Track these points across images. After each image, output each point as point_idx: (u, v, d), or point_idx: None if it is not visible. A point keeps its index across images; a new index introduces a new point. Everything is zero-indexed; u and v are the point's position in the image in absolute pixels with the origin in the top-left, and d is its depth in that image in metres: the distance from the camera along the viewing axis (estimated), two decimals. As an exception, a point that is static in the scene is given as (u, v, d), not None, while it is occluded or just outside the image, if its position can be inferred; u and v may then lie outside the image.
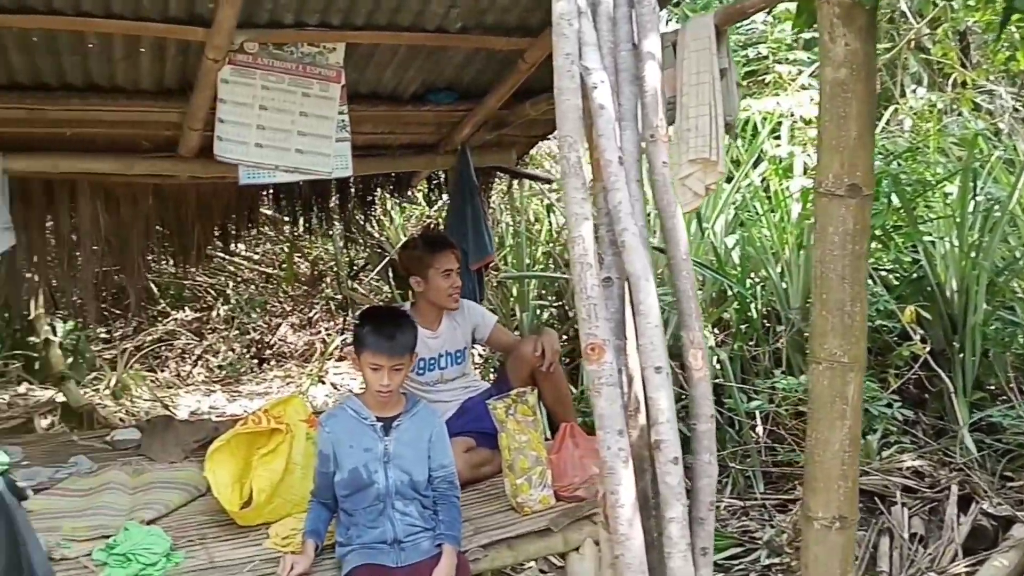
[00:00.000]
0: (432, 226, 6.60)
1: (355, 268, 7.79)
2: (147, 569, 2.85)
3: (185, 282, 7.55)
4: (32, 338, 6.16)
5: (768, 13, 7.28)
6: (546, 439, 3.53)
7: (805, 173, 6.05)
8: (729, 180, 5.94)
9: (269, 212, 5.55)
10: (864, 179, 2.27)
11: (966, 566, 3.85)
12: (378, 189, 5.38)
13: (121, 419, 5.53)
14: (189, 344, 7.40)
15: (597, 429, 1.78)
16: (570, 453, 3.45)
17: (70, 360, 5.97)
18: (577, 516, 3.28)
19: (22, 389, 6.04)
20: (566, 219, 1.78)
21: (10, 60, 3.39)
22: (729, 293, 5.44)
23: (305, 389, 6.30)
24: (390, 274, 6.94)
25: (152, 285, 6.81)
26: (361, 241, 6.88)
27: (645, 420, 1.83)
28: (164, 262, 5.04)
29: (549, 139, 5.51)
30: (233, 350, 7.21)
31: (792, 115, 6.24)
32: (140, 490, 3.51)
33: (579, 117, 1.78)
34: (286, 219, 5.84)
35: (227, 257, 7.22)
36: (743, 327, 5.36)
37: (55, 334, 6.05)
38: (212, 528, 3.26)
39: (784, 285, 5.34)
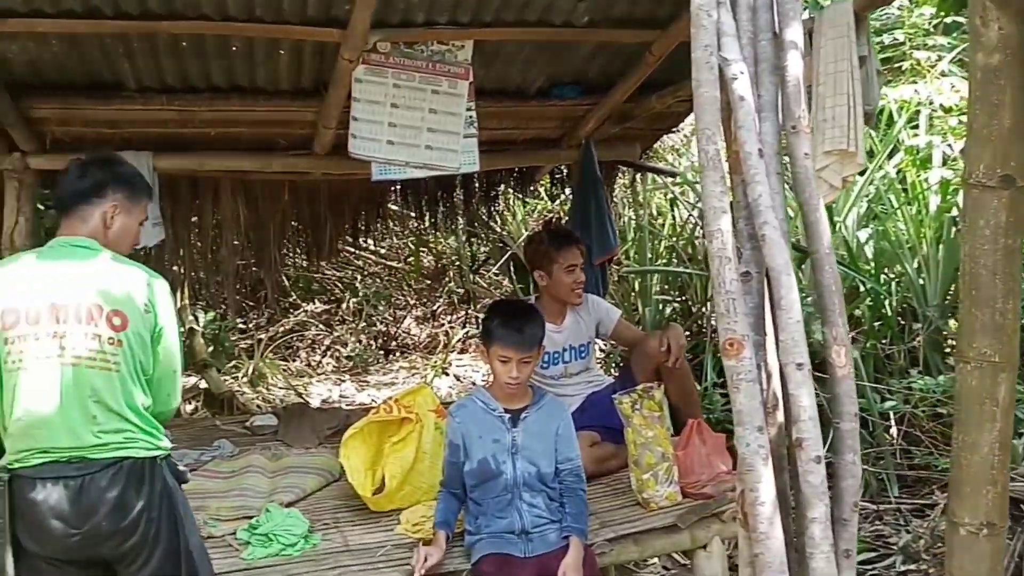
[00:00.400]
0: (554, 220, 6.63)
1: (477, 262, 7.90)
2: (287, 549, 2.98)
3: (315, 275, 7.83)
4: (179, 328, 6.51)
5: (910, -2, 6.95)
6: (671, 435, 3.49)
7: (944, 164, 5.77)
8: (862, 172, 5.72)
9: (395, 208, 5.68)
10: (1018, 170, 2.15)
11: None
12: (501, 184, 5.44)
13: (258, 405, 5.79)
14: (319, 335, 7.67)
15: (736, 425, 1.75)
16: (697, 450, 3.41)
17: (211, 349, 6.28)
18: (704, 514, 3.24)
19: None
20: (704, 213, 1.76)
21: (162, 64, 3.59)
22: (861, 289, 5.25)
23: (429, 380, 6.43)
24: (511, 268, 7.01)
25: (284, 278, 7.08)
26: (483, 236, 6.96)
27: (783, 417, 1.79)
28: (297, 256, 5.22)
29: (673, 132, 5.45)
30: (360, 341, 7.43)
31: (931, 103, 5.96)
32: (278, 474, 3.67)
33: (717, 109, 1.76)
34: (412, 214, 5.98)
35: (355, 251, 7.44)
36: (876, 324, 5.16)
37: (198, 324, 6.38)
38: (345, 512, 3.38)
39: (921, 281, 5.12)
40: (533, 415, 3.01)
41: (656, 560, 4.35)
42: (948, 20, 6.88)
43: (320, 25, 3.31)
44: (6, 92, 3.55)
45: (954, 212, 5.39)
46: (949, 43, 6.71)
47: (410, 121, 3.68)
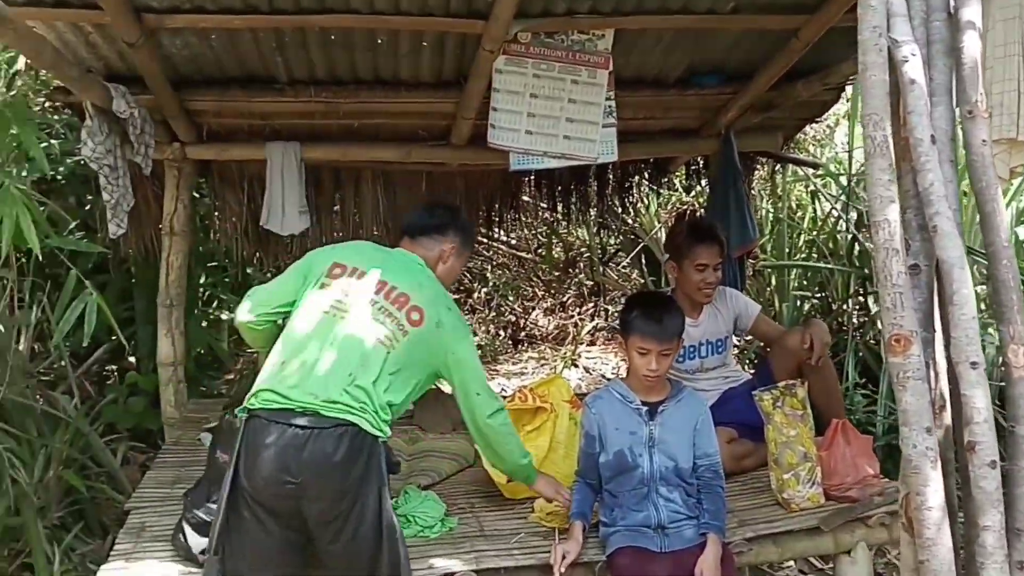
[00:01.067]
0: (689, 213, 6.51)
1: (608, 254, 7.85)
2: (425, 531, 3.05)
3: None
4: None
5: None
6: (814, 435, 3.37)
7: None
8: None
9: (528, 199, 5.71)
10: None
11: None
12: (635, 175, 5.38)
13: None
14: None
15: (901, 426, 1.67)
16: (841, 451, 3.28)
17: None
18: (849, 517, 3.12)
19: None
20: (869, 202, 1.68)
21: (311, 57, 3.71)
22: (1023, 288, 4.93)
23: (559, 372, 6.44)
24: (643, 261, 6.93)
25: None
26: (614, 227, 6.91)
27: (950, 419, 1.69)
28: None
29: (816, 122, 5.25)
30: (490, 331, 7.51)
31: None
32: (416, 457, 3.76)
33: (886, 93, 1.68)
34: (544, 205, 5.99)
35: (486, 241, 7.51)
36: (1037, 326, 4.84)
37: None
38: (480, 498, 3.43)
39: (1089, 281, 4.76)
40: (671, 408, 2.97)
41: (792, 563, 4.23)
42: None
43: (463, 17, 3.35)
44: (169, 86, 3.74)
45: None
46: None
47: (549, 111, 3.68)
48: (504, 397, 3.73)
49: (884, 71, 1.68)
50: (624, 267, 7.78)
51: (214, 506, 2.70)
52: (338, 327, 2.57)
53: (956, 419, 1.70)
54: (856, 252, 5.25)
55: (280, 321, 2.75)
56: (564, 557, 2.79)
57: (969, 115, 1.69)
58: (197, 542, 2.72)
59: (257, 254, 4.95)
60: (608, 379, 6.21)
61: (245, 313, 2.78)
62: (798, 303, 5.73)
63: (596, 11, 3.45)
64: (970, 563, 1.66)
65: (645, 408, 2.97)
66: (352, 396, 2.47)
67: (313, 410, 2.44)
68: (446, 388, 5.97)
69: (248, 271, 5.40)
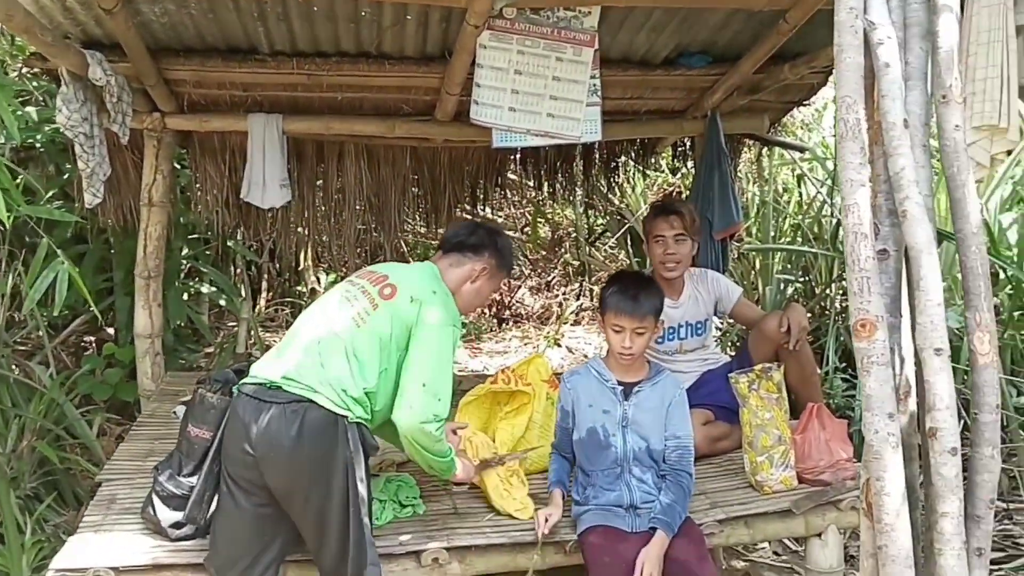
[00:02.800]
0: (674, 193, 6.49)
1: (594, 234, 7.83)
2: (400, 513, 3.04)
3: (432, 242, 7.91)
4: (300, 287, 6.72)
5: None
6: (789, 419, 3.38)
7: (1104, 145, 5.35)
8: (1009, 152, 5.36)
9: (514, 177, 5.67)
10: None
11: None
12: (622, 155, 5.35)
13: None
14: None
15: (864, 411, 1.66)
16: (816, 435, 3.29)
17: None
18: (821, 501, 3.14)
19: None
20: (840, 185, 1.66)
21: (293, 29, 3.65)
22: (1002, 276, 4.94)
23: (541, 351, 6.43)
24: (628, 241, 6.91)
25: (403, 244, 7.19)
26: (601, 207, 6.89)
27: (915, 405, 1.69)
28: (416, 222, 5.28)
29: (804, 106, 5.23)
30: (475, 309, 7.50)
31: (1092, 79, 5.51)
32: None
33: (860, 76, 1.66)
34: (530, 184, 5.96)
35: (471, 219, 7.47)
36: (1016, 314, 4.86)
37: (319, 285, 6.56)
38: (455, 476, 3.43)
39: (1069, 270, 4.78)
40: (647, 390, 2.97)
41: (767, 544, 4.26)
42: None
43: (448, -10, 3.30)
44: (149, 55, 3.69)
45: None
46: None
47: (533, 88, 3.64)
48: (484, 377, 3.73)
49: (859, 53, 1.66)
50: (611, 248, 7.76)
51: (184, 479, 2.70)
52: (319, 312, 2.66)
53: (922, 405, 1.69)
54: (841, 237, 5.24)
55: None
56: (547, 520, 2.81)
57: (943, 100, 1.67)
58: (166, 515, 2.71)
59: (239, 226, 4.91)
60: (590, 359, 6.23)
61: None
62: (782, 286, 5.73)
63: (583, -12, 3.41)
64: (929, 549, 1.66)
65: (621, 388, 2.97)
66: (315, 373, 2.49)
67: (276, 385, 2.49)
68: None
69: (229, 244, 5.37)
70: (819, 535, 3.15)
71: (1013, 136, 2.40)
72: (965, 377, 3.83)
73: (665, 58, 4.15)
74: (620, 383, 2.98)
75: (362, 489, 2.53)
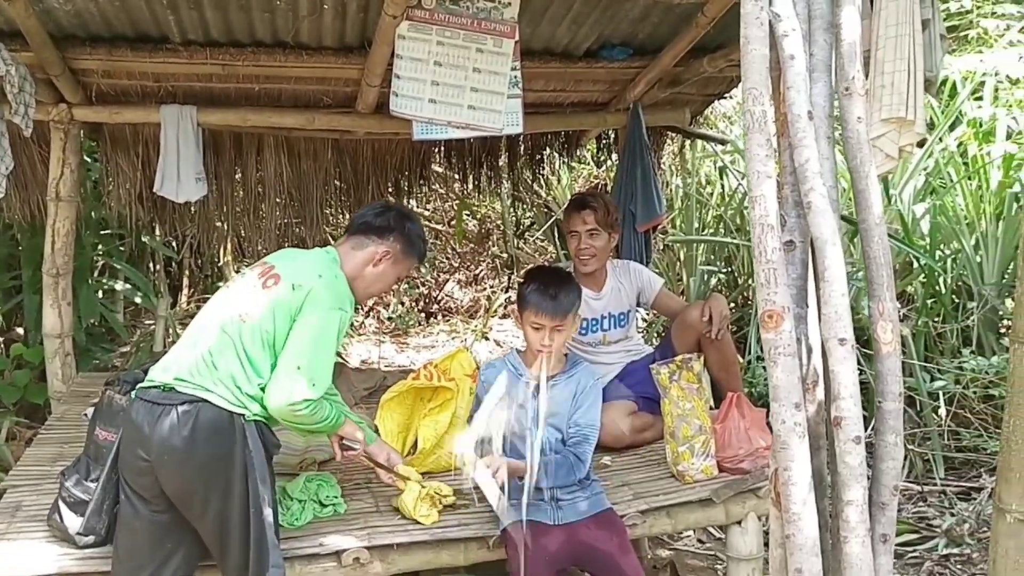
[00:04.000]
0: (600, 187, 6.52)
1: (522, 227, 7.83)
2: (321, 512, 2.98)
3: None
4: (220, 283, 6.55)
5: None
6: (711, 408, 3.42)
7: (1009, 138, 5.55)
8: (921, 144, 5.52)
9: (439, 169, 5.63)
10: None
11: None
12: (547, 148, 5.34)
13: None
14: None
15: (772, 401, 1.68)
16: (736, 424, 3.33)
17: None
18: (741, 489, 3.18)
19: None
20: (747, 177, 1.68)
21: (206, 17, 3.55)
22: (916, 265, 5.09)
23: (470, 345, 6.41)
24: (556, 234, 6.93)
25: (331, 239, 7.08)
26: (528, 200, 6.88)
27: (823, 395, 1.71)
28: (340, 216, 5.19)
29: (726, 99, 5.30)
30: (403, 303, 7.43)
31: (997, 74, 5.71)
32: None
33: (766, 68, 1.67)
34: (456, 176, 5.91)
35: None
36: (929, 302, 5.01)
37: (241, 280, 6.39)
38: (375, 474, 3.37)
39: (978, 259, 4.95)
40: (561, 383, 2.96)
41: (691, 532, 4.31)
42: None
43: (364, -21, 3.25)
44: (52, 44, 3.54)
45: (1016, 188, 5.19)
46: (1019, 11, 6.43)
47: (453, 80, 3.60)
48: (408, 372, 3.68)
49: (765, 45, 1.67)
50: (539, 240, 7.77)
51: (92, 484, 2.61)
52: (211, 310, 2.60)
53: (828, 395, 1.72)
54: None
55: None
56: (497, 471, 2.73)
57: (846, 92, 1.69)
58: (73, 522, 2.61)
59: (153, 221, 4.76)
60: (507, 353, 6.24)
61: None
62: (705, 277, 5.81)
63: (503, -22, 3.39)
64: (836, 537, 1.68)
65: (535, 383, 2.95)
66: (208, 373, 2.42)
67: (170, 387, 2.42)
68: (352, 362, 5.90)
69: (144, 239, 5.20)
70: (739, 523, 3.19)
71: (920, 129, 2.45)
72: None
73: (587, 50, 4.15)
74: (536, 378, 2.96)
75: (263, 490, 2.46)
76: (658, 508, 3.11)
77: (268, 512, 2.46)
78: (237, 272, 6.40)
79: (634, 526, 3.02)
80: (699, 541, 4.39)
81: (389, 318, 7.25)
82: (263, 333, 2.46)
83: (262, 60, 3.86)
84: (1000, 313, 4.84)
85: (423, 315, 7.41)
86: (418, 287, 7.67)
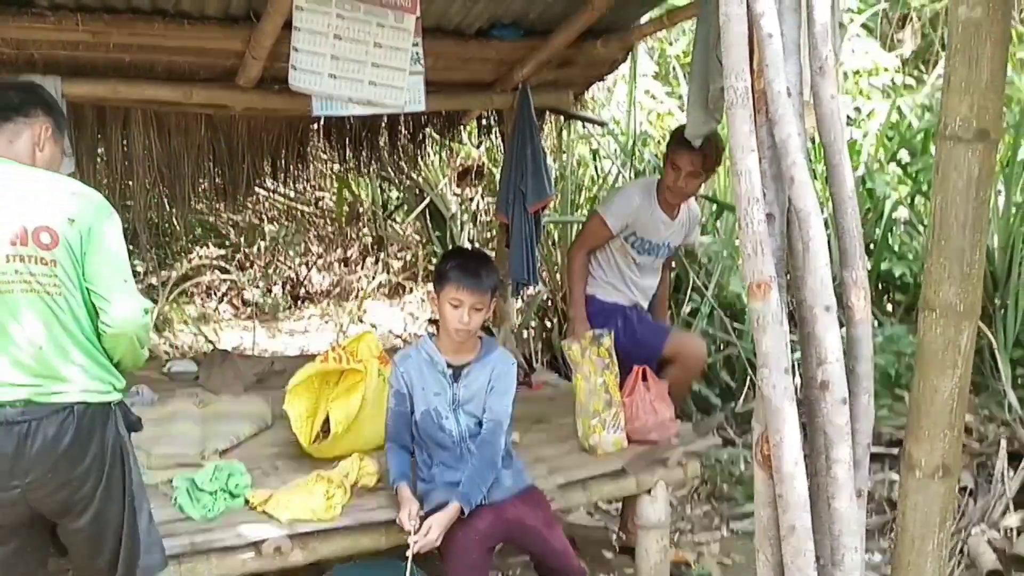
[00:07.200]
0: (475, 167, 6.52)
1: (389, 208, 7.72)
2: (233, 502, 2.86)
3: (207, 218, 7.34)
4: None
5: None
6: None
7: (850, 124, 5.98)
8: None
9: (320, 150, 5.46)
10: (992, 123, 2.21)
11: (1019, 519, 3.89)
12: (427, 127, 5.29)
13: (166, 352, 5.52)
14: (214, 280, 7.34)
15: (760, 367, 1.75)
16: (642, 396, 3.44)
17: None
18: (651, 459, 3.29)
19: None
20: (732, 152, 1.73)
21: (81, -21, 3.29)
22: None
23: (345, 327, 6.28)
24: (427, 216, 6.87)
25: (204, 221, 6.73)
26: (397, 181, 6.80)
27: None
28: (214, 196, 4.95)
29: (603, 82, 5.41)
30: (270, 289, 7.17)
31: (842, 65, 6.13)
32: (209, 421, 3.51)
33: (746, 46, 1.72)
34: (325, 156, 5.76)
35: (266, 193, 7.10)
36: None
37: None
38: (285, 460, 3.29)
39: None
40: (476, 370, 2.94)
41: (580, 507, 4.41)
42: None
43: (260, -55, 3.09)
44: None
45: (861, 171, 5.61)
46: (859, 6, 6.91)
47: (354, 55, 3.50)
48: (307, 356, 3.58)
49: (743, 23, 1.72)
50: (410, 222, 7.68)
51: None
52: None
53: (808, 360, 1.81)
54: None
55: None
56: (409, 516, 2.71)
57: (819, 71, 1.77)
58: None
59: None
60: (403, 337, 6.16)
61: None
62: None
63: (405, -49, 3.31)
64: (818, 493, 1.78)
65: (451, 371, 2.93)
66: (57, 370, 2.15)
67: (23, 400, 2.11)
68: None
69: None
70: (648, 491, 3.30)
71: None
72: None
73: (478, 29, 4.13)
74: (450, 365, 2.94)
75: (136, 473, 2.32)
76: (574, 482, 3.18)
77: (142, 496, 2.33)
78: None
79: (552, 500, 3.06)
80: (588, 514, 4.51)
81: (256, 304, 6.99)
82: (81, 293, 2.18)
83: (139, 29, 3.59)
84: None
85: (291, 299, 7.19)
86: (285, 270, 7.43)
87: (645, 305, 4.04)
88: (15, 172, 2.21)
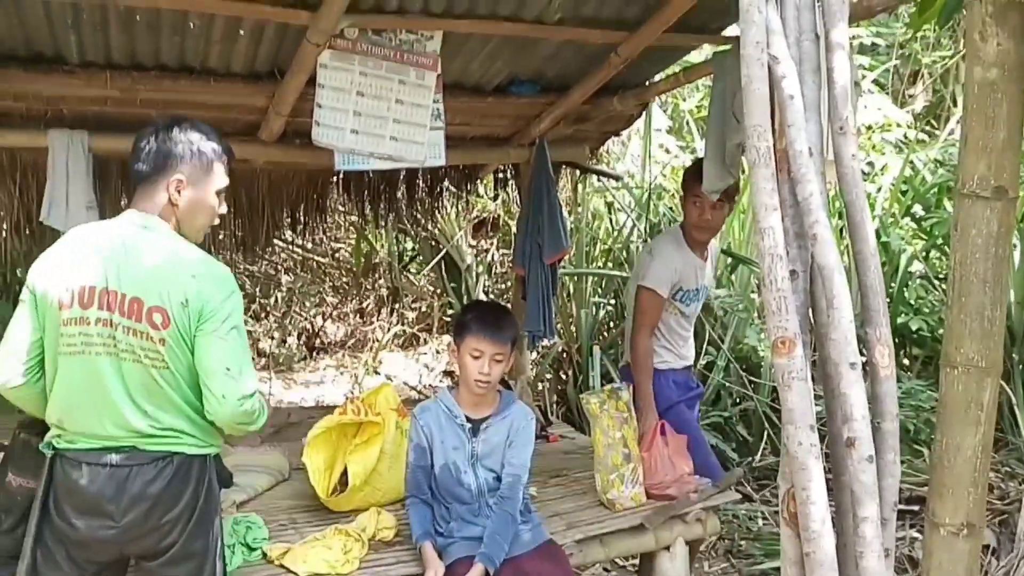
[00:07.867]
0: (491, 220, 6.57)
1: (406, 260, 7.76)
2: (251, 556, 2.85)
3: (251, 268, 7.40)
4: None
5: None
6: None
7: (865, 179, 6.02)
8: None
9: (339, 205, 5.53)
10: (1010, 181, 2.23)
11: (1044, 579, 3.82)
12: (445, 180, 5.35)
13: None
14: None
15: (785, 424, 1.75)
16: (660, 451, 3.43)
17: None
18: (670, 515, 3.26)
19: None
20: (754, 210, 1.75)
21: (110, 39, 3.36)
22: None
23: (361, 380, 6.29)
24: (443, 268, 6.91)
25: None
26: (413, 233, 6.85)
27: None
28: (233, 250, 5.00)
29: (618, 136, 5.48)
30: (285, 339, 7.20)
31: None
32: (227, 473, 3.51)
33: (767, 106, 1.76)
34: (343, 208, 5.82)
35: (283, 245, 7.15)
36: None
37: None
38: (302, 513, 3.28)
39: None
40: (495, 424, 2.95)
41: (596, 563, 4.36)
42: (869, 41, 7.18)
43: (289, 6, 3.16)
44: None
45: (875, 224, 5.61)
46: (871, 63, 7.00)
47: (376, 111, 3.56)
48: (326, 408, 3.59)
49: (765, 84, 1.76)
50: (426, 274, 7.72)
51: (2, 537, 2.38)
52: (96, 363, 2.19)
53: (832, 417, 1.81)
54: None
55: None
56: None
57: (840, 131, 1.80)
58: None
59: (31, 253, 4.42)
60: (418, 388, 6.15)
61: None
62: (594, 310, 5.95)
63: (427, 11, 3.39)
64: (845, 552, 1.77)
65: (469, 425, 2.93)
66: (163, 424, 2.21)
67: (129, 446, 2.18)
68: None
69: (18, 272, 4.83)
70: (667, 548, 3.27)
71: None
72: (774, 392, 4.15)
73: (496, 86, 4.20)
74: (469, 419, 2.94)
75: (219, 527, 2.36)
76: (592, 537, 3.15)
77: (223, 550, 2.37)
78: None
79: (571, 555, 3.04)
80: (604, 570, 4.45)
81: (270, 354, 7.00)
82: (190, 366, 2.21)
83: (166, 86, 3.68)
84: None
85: (306, 350, 7.20)
86: (297, 322, 7.45)
87: (691, 357, 3.97)
88: (146, 241, 2.22)
